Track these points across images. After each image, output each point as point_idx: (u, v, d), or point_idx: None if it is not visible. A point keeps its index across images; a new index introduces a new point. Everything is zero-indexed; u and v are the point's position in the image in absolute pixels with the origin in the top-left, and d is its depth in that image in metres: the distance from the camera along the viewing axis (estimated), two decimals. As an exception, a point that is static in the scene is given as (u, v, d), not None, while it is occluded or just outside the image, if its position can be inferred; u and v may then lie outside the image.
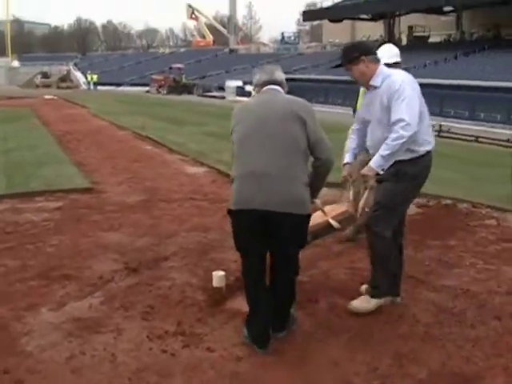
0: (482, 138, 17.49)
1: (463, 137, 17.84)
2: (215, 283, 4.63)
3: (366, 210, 4.51)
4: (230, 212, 3.86)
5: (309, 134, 3.83)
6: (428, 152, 4.38)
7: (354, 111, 6.47)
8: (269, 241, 3.85)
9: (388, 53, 5.82)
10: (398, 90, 4.10)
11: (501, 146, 16.19)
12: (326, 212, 4.61)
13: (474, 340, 4.02)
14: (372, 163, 4.15)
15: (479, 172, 10.89)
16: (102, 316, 4.40)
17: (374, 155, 4.25)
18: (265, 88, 4.12)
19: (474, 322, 4.30)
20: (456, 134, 18.26)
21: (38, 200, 8.21)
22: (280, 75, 4.24)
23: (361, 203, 4.55)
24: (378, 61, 4.28)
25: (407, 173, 4.25)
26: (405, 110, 4.04)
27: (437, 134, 18.81)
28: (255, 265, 3.90)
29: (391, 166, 4.17)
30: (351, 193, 4.66)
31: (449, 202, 8.06)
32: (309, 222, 3.94)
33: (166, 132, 17.34)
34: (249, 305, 3.98)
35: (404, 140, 4.03)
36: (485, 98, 25.33)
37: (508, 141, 16.33)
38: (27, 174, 10.15)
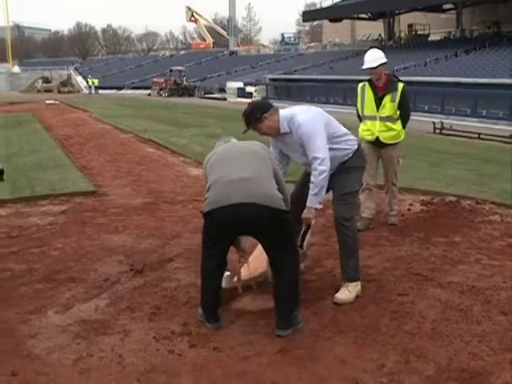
0: (484, 134, 17.47)
1: (465, 134, 17.83)
2: (221, 284, 4.64)
3: (308, 252, 5.10)
4: (206, 213, 4.07)
5: (274, 166, 4.30)
6: (358, 146, 4.86)
7: (358, 115, 6.81)
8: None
9: (372, 57, 6.48)
10: (305, 132, 4.49)
11: (503, 142, 16.18)
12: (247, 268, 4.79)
13: (481, 335, 4.02)
14: (309, 204, 4.56)
15: (482, 168, 10.91)
16: (109, 318, 4.41)
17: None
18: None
19: (480, 318, 4.30)
20: (458, 131, 18.25)
21: (43, 204, 8.23)
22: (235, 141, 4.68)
23: (304, 245, 4.86)
24: (276, 111, 4.60)
25: (355, 165, 4.78)
26: (316, 148, 4.47)
27: (439, 131, 18.84)
28: (216, 265, 4.22)
29: (341, 164, 4.71)
30: None
31: (452, 198, 8.06)
32: (288, 220, 4.13)
33: (168, 134, 17.38)
34: (202, 290, 4.30)
35: (325, 173, 4.46)
36: (486, 95, 25.33)
37: (510, 137, 16.30)
38: (31, 178, 10.18)
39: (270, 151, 4.52)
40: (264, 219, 3.97)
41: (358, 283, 4.75)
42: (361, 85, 6.81)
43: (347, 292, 4.66)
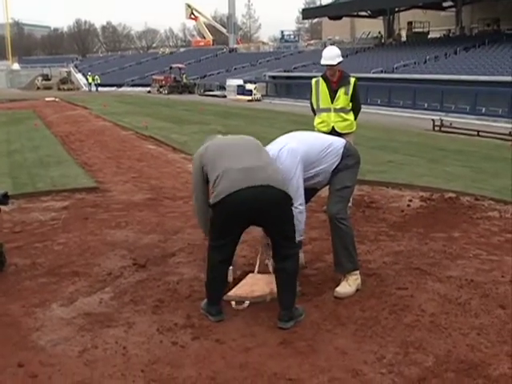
0: (484, 131, 17.53)
1: (465, 131, 17.88)
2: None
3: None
4: (219, 202, 4.06)
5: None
6: (344, 148, 4.89)
7: (313, 109, 7.41)
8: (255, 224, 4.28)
9: (331, 55, 7.00)
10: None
11: (502, 139, 16.23)
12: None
13: (479, 328, 4.07)
14: None
15: (481, 165, 10.97)
16: (113, 311, 4.46)
17: None
18: None
19: (478, 311, 4.35)
20: (457, 128, 18.31)
21: (45, 200, 8.30)
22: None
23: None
24: None
25: (346, 164, 4.86)
26: (294, 192, 4.53)
27: (438, 128, 18.90)
28: (228, 253, 4.24)
29: (333, 170, 4.82)
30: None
31: (452, 195, 8.12)
32: (291, 204, 4.24)
33: (168, 131, 17.43)
34: (208, 286, 4.32)
35: (297, 210, 4.51)
36: (486, 93, 25.37)
37: (509, 134, 16.36)
38: (32, 174, 10.24)
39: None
40: (280, 201, 4.08)
41: (358, 277, 4.81)
42: (314, 80, 7.35)
43: (347, 286, 4.73)
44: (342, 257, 4.81)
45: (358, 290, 4.74)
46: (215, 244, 4.22)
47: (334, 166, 4.81)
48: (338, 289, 4.70)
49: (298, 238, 4.60)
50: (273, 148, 4.77)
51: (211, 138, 4.72)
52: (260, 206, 4.03)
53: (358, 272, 4.83)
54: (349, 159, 4.88)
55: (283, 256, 4.21)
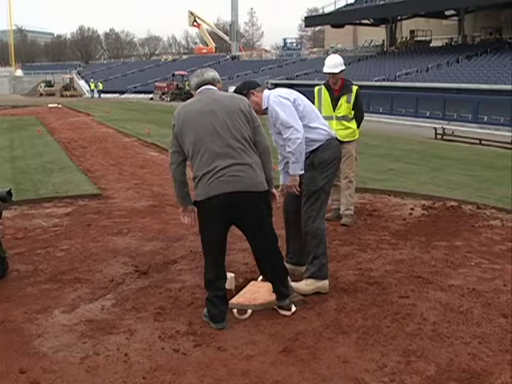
0: (486, 140, 17.54)
1: (467, 139, 17.90)
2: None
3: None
4: (199, 202, 4.21)
5: (252, 122, 4.31)
6: (330, 139, 4.95)
7: None
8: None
9: (334, 63, 7.06)
10: (274, 107, 4.73)
11: (504, 148, 16.23)
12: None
13: (481, 337, 4.07)
14: (291, 172, 4.80)
15: (483, 174, 10.96)
16: (114, 317, 4.47)
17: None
18: (199, 90, 4.45)
19: (480, 320, 4.35)
20: (459, 136, 18.32)
21: (47, 206, 8.32)
22: (209, 74, 4.50)
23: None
24: (262, 89, 4.92)
25: (321, 158, 4.85)
26: (285, 120, 4.66)
27: (440, 137, 18.90)
28: (218, 256, 4.30)
29: (306, 158, 4.78)
30: None
31: (454, 203, 8.12)
32: (267, 197, 4.32)
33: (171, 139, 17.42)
34: (208, 291, 4.32)
35: (299, 140, 4.62)
36: (488, 101, 25.39)
37: (511, 143, 16.36)
38: (35, 181, 10.26)
39: (248, 102, 4.43)
40: (251, 201, 4.15)
41: (320, 281, 4.86)
42: (317, 88, 7.41)
43: (305, 285, 4.83)
44: (312, 262, 4.89)
45: (319, 292, 4.82)
46: (204, 244, 4.35)
47: (310, 148, 4.82)
48: (294, 283, 4.77)
49: (298, 173, 4.73)
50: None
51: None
52: (236, 209, 4.14)
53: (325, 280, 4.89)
54: (326, 153, 4.87)
55: (265, 252, 4.38)
